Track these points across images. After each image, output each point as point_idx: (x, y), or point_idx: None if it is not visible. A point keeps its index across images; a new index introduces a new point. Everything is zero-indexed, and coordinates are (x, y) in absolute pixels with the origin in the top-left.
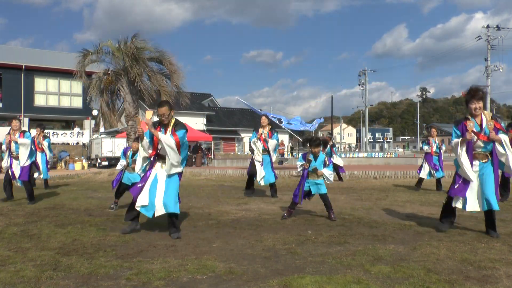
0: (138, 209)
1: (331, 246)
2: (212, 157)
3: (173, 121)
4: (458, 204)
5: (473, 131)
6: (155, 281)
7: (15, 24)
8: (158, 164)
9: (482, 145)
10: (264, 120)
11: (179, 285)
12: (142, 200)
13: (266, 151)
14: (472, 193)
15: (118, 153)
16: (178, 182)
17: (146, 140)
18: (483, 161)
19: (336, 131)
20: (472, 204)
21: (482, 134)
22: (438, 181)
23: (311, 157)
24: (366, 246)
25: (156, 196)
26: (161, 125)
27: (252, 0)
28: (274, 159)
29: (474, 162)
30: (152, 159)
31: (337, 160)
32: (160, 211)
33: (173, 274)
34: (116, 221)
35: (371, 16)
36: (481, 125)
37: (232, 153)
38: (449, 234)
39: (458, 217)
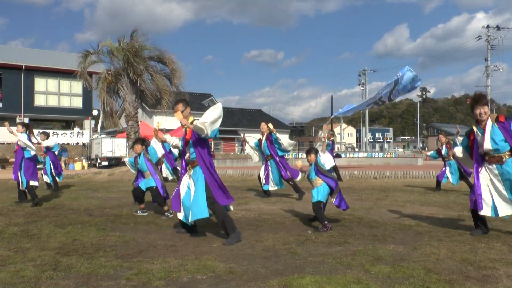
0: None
1: (331, 246)
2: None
3: (190, 119)
4: (486, 212)
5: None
6: (155, 281)
7: (16, 24)
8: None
9: (491, 147)
10: (262, 127)
11: (179, 285)
12: (179, 214)
13: (269, 155)
14: (500, 197)
15: (118, 153)
16: (204, 185)
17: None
18: (501, 163)
19: (336, 131)
20: (503, 208)
21: (486, 139)
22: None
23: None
24: (366, 246)
25: (191, 201)
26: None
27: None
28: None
29: (491, 166)
30: (184, 165)
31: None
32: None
33: (173, 274)
34: (116, 221)
35: (373, 16)
36: (485, 130)
37: (232, 153)
38: (449, 234)
39: (458, 217)
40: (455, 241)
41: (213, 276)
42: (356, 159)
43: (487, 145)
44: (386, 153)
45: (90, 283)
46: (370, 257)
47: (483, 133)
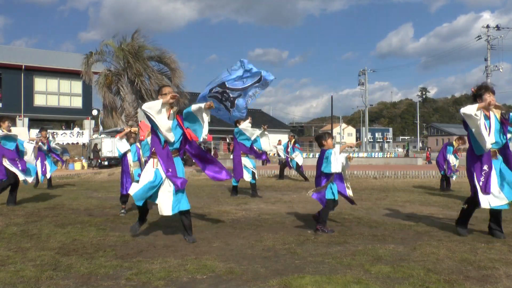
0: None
1: (331, 246)
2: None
3: (175, 108)
4: (486, 204)
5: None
6: (155, 281)
7: (21, 24)
8: (155, 161)
9: (494, 140)
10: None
11: (179, 285)
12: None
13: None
14: (494, 188)
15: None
16: None
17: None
18: (493, 158)
19: (336, 131)
20: (495, 199)
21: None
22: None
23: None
24: (366, 246)
25: (163, 194)
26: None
27: None
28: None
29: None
30: (151, 155)
31: (298, 158)
32: (172, 210)
33: (173, 274)
34: (116, 221)
35: (377, 15)
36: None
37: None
38: (449, 234)
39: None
40: (455, 241)
41: (213, 276)
42: (356, 159)
43: (492, 137)
44: (386, 153)
45: (90, 283)
46: (370, 257)
47: (489, 125)
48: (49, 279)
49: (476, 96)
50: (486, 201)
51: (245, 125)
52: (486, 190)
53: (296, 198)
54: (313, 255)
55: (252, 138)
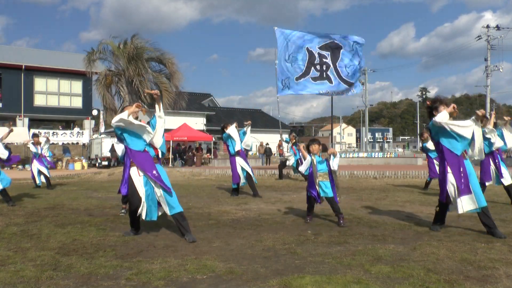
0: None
1: (331, 246)
2: (212, 157)
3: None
4: (460, 209)
5: None
6: (155, 281)
7: (22, 23)
8: (139, 169)
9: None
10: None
11: (179, 285)
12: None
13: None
14: (474, 187)
15: (118, 153)
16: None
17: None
18: (464, 158)
19: (336, 131)
20: (468, 203)
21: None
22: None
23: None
24: (366, 246)
25: (156, 198)
26: None
27: None
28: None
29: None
30: (130, 163)
31: (291, 159)
32: (166, 211)
33: (173, 274)
34: (116, 221)
35: (378, 15)
36: None
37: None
38: (449, 234)
39: (457, 217)
40: (455, 241)
41: (213, 276)
42: (356, 159)
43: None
44: (386, 153)
45: (90, 283)
46: (370, 257)
47: None
48: (49, 279)
49: (432, 108)
50: (461, 206)
51: (232, 130)
52: (466, 190)
53: (296, 198)
54: (313, 255)
55: (239, 142)
